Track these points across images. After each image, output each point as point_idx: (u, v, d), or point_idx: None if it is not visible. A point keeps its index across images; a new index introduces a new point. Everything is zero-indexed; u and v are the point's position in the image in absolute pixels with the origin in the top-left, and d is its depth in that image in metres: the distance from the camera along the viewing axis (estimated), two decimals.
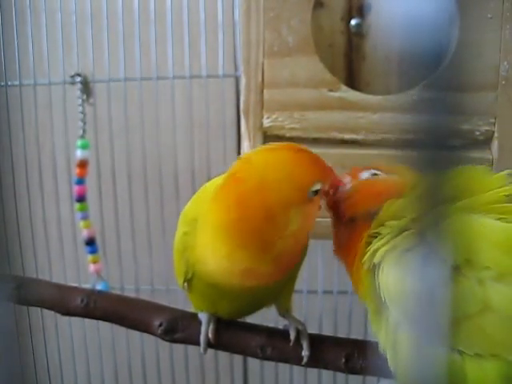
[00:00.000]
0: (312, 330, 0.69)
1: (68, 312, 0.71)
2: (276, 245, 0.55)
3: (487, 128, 0.71)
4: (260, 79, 0.74)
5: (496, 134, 0.71)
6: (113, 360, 1.15)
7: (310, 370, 1.04)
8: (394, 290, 0.49)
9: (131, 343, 1.14)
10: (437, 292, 0.25)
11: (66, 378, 1.15)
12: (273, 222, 0.54)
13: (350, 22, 0.88)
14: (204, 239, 0.58)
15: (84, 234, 0.97)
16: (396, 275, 0.49)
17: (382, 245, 0.51)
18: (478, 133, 0.72)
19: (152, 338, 0.72)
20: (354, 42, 0.89)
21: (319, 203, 0.58)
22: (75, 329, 1.11)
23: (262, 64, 0.74)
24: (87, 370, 1.16)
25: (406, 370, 0.48)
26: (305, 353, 0.65)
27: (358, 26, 0.87)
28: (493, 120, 0.71)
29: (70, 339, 1.12)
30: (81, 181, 0.95)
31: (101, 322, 0.77)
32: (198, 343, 0.67)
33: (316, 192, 0.56)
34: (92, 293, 0.73)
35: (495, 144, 0.72)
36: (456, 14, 0.23)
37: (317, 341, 0.66)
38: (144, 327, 0.69)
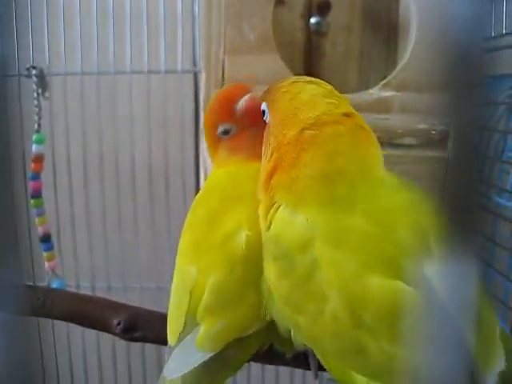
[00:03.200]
0: None
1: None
2: None
3: (443, 127, 0.73)
4: (220, 75, 0.74)
5: (452, 133, 0.73)
6: (68, 357, 1.13)
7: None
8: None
9: (87, 339, 1.12)
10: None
11: None
12: None
13: (309, 19, 0.88)
14: None
15: (39, 230, 0.94)
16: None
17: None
18: (434, 132, 0.73)
19: (108, 334, 0.71)
20: (314, 39, 0.90)
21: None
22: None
23: (223, 60, 0.74)
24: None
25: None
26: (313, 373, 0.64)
27: (317, 23, 0.88)
28: (448, 120, 0.72)
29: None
30: (36, 176, 0.93)
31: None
32: (156, 341, 0.67)
33: (226, 132, 0.62)
34: (48, 291, 0.71)
35: (451, 143, 0.73)
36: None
37: None
38: (102, 326, 0.68)
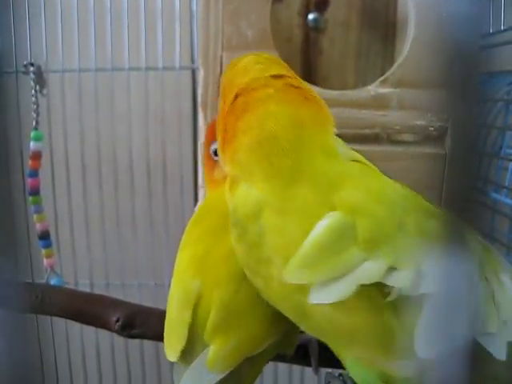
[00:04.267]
0: None
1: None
2: None
3: (441, 124, 0.73)
4: (218, 72, 0.74)
5: (450, 130, 0.73)
6: (66, 353, 1.14)
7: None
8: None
9: (85, 336, 1.13)
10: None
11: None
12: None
13: (307, 16, 0.88)
14: None
15: (37, 227, 0.94)
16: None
17: None
18: (431, 128, 0.73)
19: (106, 331, 0.71)
20: (312, 36, 0.90)
21: None
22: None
23: (221, 57, 0.74)
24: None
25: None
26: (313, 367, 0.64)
27: (315, 20, 0.88)
28: (446, 116, 0.73)
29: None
30: (34, 173, 0.93)
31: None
32: (155, 338, 0.67)
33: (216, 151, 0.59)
34: (47, 288, 0.71)
35: (448, 140, 0.73)
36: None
37: None
38: (101, 323, 0.68)
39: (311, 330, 0.49)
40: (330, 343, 0.49)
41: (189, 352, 0.53)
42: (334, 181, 0.47)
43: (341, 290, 0.42)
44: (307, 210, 0.46)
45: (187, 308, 0.53)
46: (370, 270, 0.42)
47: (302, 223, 0.45)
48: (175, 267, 0.58)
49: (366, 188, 0.47)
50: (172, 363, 0.54)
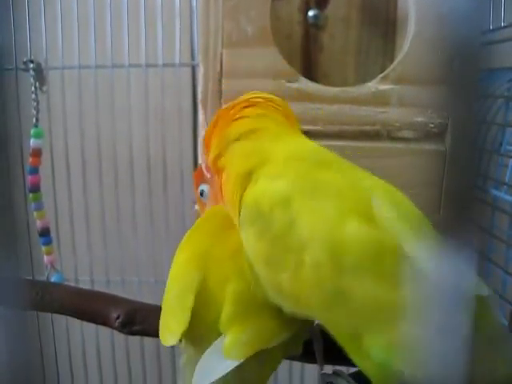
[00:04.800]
0: None
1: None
2: None
3: (441, 120, 0.73)
4: (218, 69, 0.74)
5: (450, 127, 0.73)
6: (67, 350, 1.14)
7: None
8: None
9: (86, 333, 1.13)
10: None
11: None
12: None
13: (307, 13, 0.88)
14: None
15: (38, 224, 0.94)
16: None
17: None
18: (432, 125, 0.73)
19: (107, 328, 0.71)
20: (312, 33, 0.89)
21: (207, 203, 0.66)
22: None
23: (221, 54, 0.74)
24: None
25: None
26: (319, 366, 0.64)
27: (315, 17, 0.88)
28: (446, 113, 0.73)
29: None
30: (34, 170, 0.93)
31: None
32: (155, 335, 0.67)
33: (201, 193, 0.66)
34: (47, 285, 0.71)
35: (449, 137, 0.73)
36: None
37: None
38: (101, 320, 0.68)
39: (343, 316, 0.47)
40: (363, 328, 0.47)
41: (197, 339, 0.53)
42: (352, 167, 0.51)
43: None
44: (342, 193, 0.47)
45: (188, 294, 0.53)
46: None
47: (339, 204, 0.46)
48: (171, 269, 0.58)
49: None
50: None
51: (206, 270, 0.54)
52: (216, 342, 0.52)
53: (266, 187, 0.50)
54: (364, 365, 0.47)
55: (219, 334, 0.52)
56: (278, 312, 0.52)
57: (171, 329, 0.53)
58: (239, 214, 0.52)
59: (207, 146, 0.60)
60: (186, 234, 0.61)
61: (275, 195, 0.49)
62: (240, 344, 0.51)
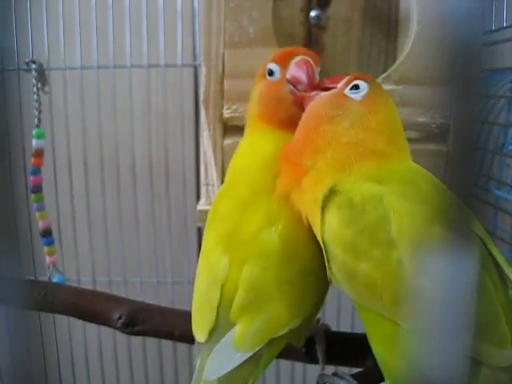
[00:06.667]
0: None
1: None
2: None
3: (443, 121, 0.73)
4: (220, 69, 0.74)
5: (452, 127, 0.73)
6: (69, 350, 1.14)
7: None
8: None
9: (88, 333, 1.13)
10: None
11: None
12: None
13: (309, 13, 0.88)
14: None
15: (40, 225, 0.94)
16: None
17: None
18: (434, 125, 0.73)
19: (109, 328, 0.71)
20: (314, 33, 0.89)
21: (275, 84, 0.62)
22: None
23: (223, 54, 0.74)
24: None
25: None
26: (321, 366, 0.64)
27: (317, 17, 0.88)
28: (448, 113, 0.73)
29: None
30: (36, 171, 0.93)
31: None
32: (157, 335, 0.67)
33: (270, 72, 0.62)
34: (49, 285, 0.71)
35: (451, 137, 0.73)
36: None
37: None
38: (103, 320, 0.68)
39: (411, 314, 0.48)
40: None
41: (214, 331, 0.53)
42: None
43: None
44: (428, 198, 0.49)
45: (215, 289, 0.54)
46: None
47: (427, 209, 0.48)
48: (203, 245, 0.59)
49: None
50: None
51: (230, 253, 0.55)
52: (228, 334, 0.52)
53: (359, 182, 0.51)
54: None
55: (232, 324, 0.53)
56: (289, 296, 0.53)
57: (200, 326, 0.54)
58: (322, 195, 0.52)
59: None
60: (215, 200, 0.61)
61: (368, 190, 0.50)
62: (250, 336, 0.52)
